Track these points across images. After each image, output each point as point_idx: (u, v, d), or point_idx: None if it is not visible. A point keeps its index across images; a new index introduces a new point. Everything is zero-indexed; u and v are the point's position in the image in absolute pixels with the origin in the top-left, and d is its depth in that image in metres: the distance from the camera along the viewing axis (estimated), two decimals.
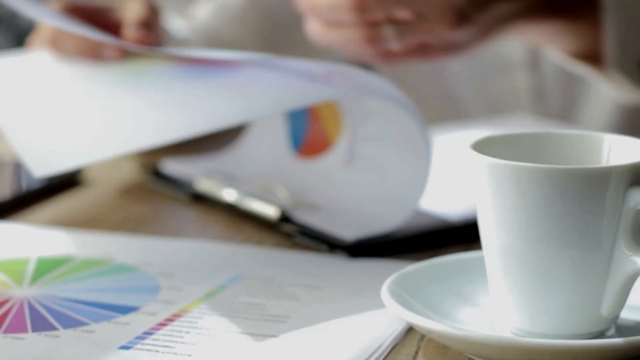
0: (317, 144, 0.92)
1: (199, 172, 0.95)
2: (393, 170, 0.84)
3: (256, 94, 0.86)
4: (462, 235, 0.82)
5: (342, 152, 0.89)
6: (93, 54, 0.98)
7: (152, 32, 1.00)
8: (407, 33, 0.95)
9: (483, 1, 0.96)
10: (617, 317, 0.63)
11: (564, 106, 1.25)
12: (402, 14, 0.94)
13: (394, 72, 1.32)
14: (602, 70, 1.03)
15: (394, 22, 0.94)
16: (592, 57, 1.03)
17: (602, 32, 1.00)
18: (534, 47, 1.22)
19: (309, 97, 0.85)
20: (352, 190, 0.87)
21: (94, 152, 0.84)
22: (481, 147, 0.64)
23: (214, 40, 1.27)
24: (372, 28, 0.94)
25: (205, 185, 0.93)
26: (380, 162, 0.85)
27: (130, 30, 0.98)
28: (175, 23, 1.22)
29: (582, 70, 1.05)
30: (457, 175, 0.94)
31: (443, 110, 1.31)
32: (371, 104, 0.85)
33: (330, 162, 0.90)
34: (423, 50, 0.97)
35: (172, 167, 0.98)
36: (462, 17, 0.93)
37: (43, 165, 0.82)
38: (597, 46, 1.02)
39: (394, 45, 0.95)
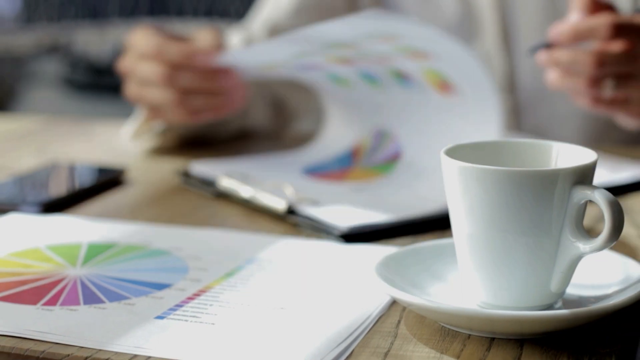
0: (333, 176, 0.95)
1: (221, 173, 0.95)
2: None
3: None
4: (436, 225, 0.82)
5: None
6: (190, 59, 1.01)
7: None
8: (623, 86, 0.94)
9: None
10: (563, 292, 0.64)
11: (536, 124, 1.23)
12: (628, 69, 0.94)
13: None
14: None
15: (616, 77, 0.94)
16: None
17: None
18: (511, 73, 1.21)
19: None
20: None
21: None
22: (452, 153, 0.64)
23: None
24: (597, 78, 0.94)
25: (226, 184, 0.93)
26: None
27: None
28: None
29: None
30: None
31: None
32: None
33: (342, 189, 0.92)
34: (625, 104, 0.96)
35: (199, 169, 0.98)
36: None
37: None
38: None
39: (608, 93, 0.94)
